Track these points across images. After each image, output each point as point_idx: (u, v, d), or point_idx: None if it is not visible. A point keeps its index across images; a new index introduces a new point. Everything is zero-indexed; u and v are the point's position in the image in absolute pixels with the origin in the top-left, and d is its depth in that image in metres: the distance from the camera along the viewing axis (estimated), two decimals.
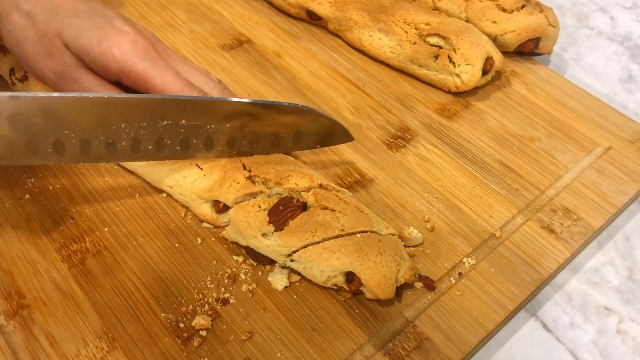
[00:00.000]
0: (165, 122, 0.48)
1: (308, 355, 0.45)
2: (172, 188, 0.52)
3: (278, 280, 0.49)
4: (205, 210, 0.51)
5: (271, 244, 0.47)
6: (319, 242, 0.46)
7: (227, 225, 0.51)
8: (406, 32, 0.64)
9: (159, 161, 0.51)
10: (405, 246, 0.51)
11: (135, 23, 0.54)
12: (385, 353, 0.45)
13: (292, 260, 0.47)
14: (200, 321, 0.46)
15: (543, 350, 0.49)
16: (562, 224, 0.54)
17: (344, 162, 0.58)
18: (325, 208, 0.48)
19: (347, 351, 0.45)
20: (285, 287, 0.48)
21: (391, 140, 0.60)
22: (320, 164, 0.58)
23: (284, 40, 0.70)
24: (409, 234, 0.52)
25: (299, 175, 0.50)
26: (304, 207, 0.48)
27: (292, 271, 0.49)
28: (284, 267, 0.49)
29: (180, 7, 0.73)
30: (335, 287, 0.48)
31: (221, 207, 0.50)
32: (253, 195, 0.49)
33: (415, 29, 0.64)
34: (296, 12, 0.72)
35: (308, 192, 0.49)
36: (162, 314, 0.47)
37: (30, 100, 0.44)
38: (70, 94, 0.45)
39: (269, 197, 0.49)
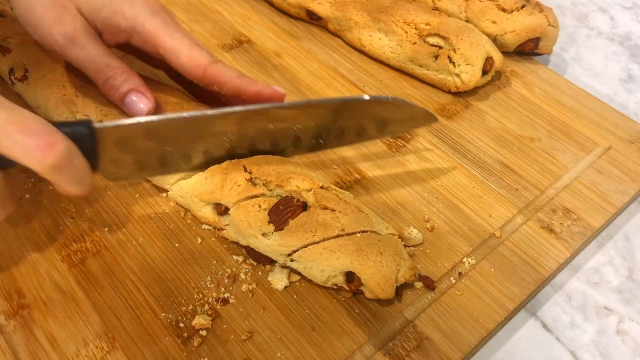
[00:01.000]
0: (253, 129, 0.51)
1: (308, 355, 0.45)
2: (173, 190, 0.52)
3: (278, 280, 0.49)
4: (207, 212, 0.51)
5: (271, 244, 0.47)
6: (319, 242, 0.46)
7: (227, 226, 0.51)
8: (406, 32, 0.64)
9: None
10: (405, 246, 0.51)
11: None
12: (385, 353, 0.45)
13: (292, 260, 0.47)
14: (200, 321, 0.46)
15: (543, 350, 0.49)
16: (562, 224, 0.54)
17: (344, 162, 0.58)
18: (326, 208, 0.48)
19: (347, 351, 0.45)
20: (285, 287, 0.48)
21: (391, 140, 0.60)
22: (320, 164, 0.58)
23: (284, 40, 0.70)
24: (409, 233, 0.52)
25: (299, 177, 0.49)
26: (304, 207, 0.48)
27: (292, 271, 0.49)
28: (284, 266, 0.49)
29: (180, 7, 0.73)
30: (335, 287, 0.48)
31: (222, 210, 0.50)
32: (254, 197, 0.49)
33: (415, 29, 0.64)
34: (296, 12, 0.72)
35: (308, 192, 0.49)
36: (162, 314, 0.47)
37: (133, 126, 0.47)
38: (167, 116, 0.48)
39: (269, 197, 0.49)
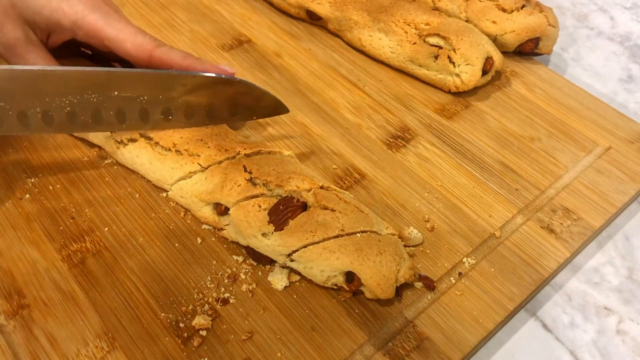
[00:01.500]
0: (94, 95, 0.50)
1: (308, 355, 0.45)
2: (173, 190, 0.52)
3: (278, 280, 0.49)
4: (207, 212, 0.51)
5: (271, 244, 0.47)
6: (319, 242, 0.46)
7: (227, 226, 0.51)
8: (406, 32, 0.64)
9: (160, 160, 0.52)
10: (405, 246, 0.51)
11: None
12: (385, 353, 0.45)
13: (292, 260, 0.47)
14: (200, 321, 0.46)
15: (543, 350, 0.49)
16: (562, 223, 0.54)
17: (344, 162, 0.58)
18: (326, 208, 0.48)
19: (347, 351, 0.45)
20: (285, 287, 0.48)
21: (391, 140, 0.60)
22: (320, 164, 0.58)
23: (284, 40, 0.70)
24: (409, 233, 0.52)
25: (299, 177, 0.49)
26: (304, 207, 0.48)
27: (292, 271, 0.49)
28: (284, 266, 0.49)
29: (180, 7, 0.73)
30: (335, 287, 0.48)
31: (223, 210, 0.50)
32: (254, 197, 0.49)
33: (415, 29, 0.64)
34: (296, 12, 0.72)
35: (308, 192, 0.49)
36: (162, 314, 0.47)
37: (4, 71, 0.46)
38: (6, 67, 0.47)
39: (269, 197, 0.49)
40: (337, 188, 0.51)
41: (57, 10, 0.53)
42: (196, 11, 0.73)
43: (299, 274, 0.49)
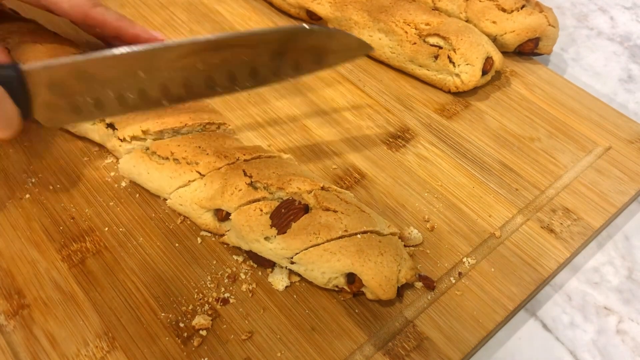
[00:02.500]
0: (185, 66, 0.49)
1: (308, 355, 0.45)
2: (172, 198, 0.52)
3: (279, 280, 0.49)
4: (207, 219, 0.51)
5: (274, 247, 0.47)
6: (322, 244, 0.46)
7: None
8: (406, 32, 0.64)
9: (158, 169, 0.52)
10: (405, 246, 0.51)
11: None
12: (385, 353, 0.45)
13: (292, 263, 0.47)
14: (200, 321, 0.46)
15: (543, 350, 0.49)
16: (561, 223, 0.54)
17: (344, 162, 0.58)
18: (327, 209, 0.48)
19: (347, 351, 0.45)
20: (286, 287, 0.48)
21: (391, 140, 0.60)
22: (320, 164, 0.58)
23: None
24: (409, 234, 0.52)
25: (300, 179, 0.49)
26: (306, 209, 0.48)
27: (293, 273, 0.49)
28: (284, 268, 0.49)
29: (180, 7, 0.73)
30: (337, 289, 0.48)
31: (223, 216, 0.50)
32: (255, 201, 0.48)
33: (415, 29, 0.64)
34: (296, 12, 0.72)
35: (309, 194, 0.49)
36: (162, 314, 0.47)
37: (62, 66, 0.47)
38: (95, 54, 0.47)
39: (270, 201, 0.49)
40: (337, 188, 0.51)
41: None
42: (196, 11, 0.73)
43: (299, 276, 0.49)
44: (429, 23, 0.64)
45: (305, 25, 0.51)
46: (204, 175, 0.50)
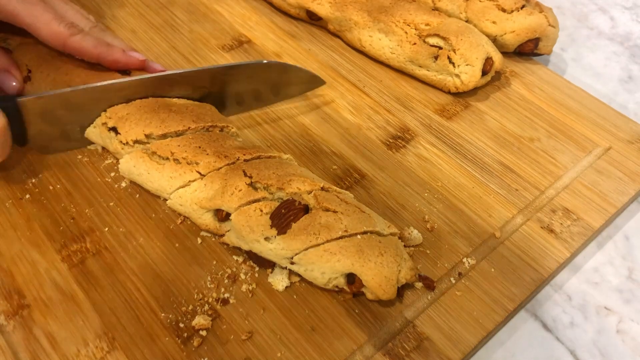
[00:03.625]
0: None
1: (308, 355, 0.45)
2: (172, 199, 0.51)
3: (279, 280, 0.48)
4: (207, 219, 0.51)
5: (274, 248, 0.47)
6: (322, 244, 0.46)
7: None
8: (406, 32, 0.64)
9: (159, 169, 0.52)
10: (405, 246, 0.51)
11: None
12: (385, 353, 0.45)
13: (292, 263, 0.47)
14: (200, 321, 0.46)
15: (543, 350, 0.49)
16: (561, 224, 0.54)
17: (344, 163, 0.58)
18: (327, 209, 0.48)
19: (347, 351, 0.45)
20: (286, 287, 0.48)
21: (391, 140, 0.60)
22: (320, 165, 0.58)
23: (284, 40, 0.70)
24: (409, 234, 0.52)
25: (300, 179, 0.49)
26: (306, 209, 0.48)
27: (293, 273, 0.49)
28: (284, 268, 0.49)
29: (180, 7, 0.73)
30: (337, 289, 0.48)
31: (223, 216, 0.50)
32: (256, 201, 0.48)
33: (415, 29, 0.64)
34: (296, 13, 0.72)
35: (309, 194, 0.49)
36: (162, 314, 0.47)
37: (52, 97, 0.52)
38: (81, 86, 0.53)
39: (270, 201, 0.49)
40: (337, 188, 0.51)
41: None
42: (196, 11, 0.73)
43: (299, 276, 0.49)
44: (429, 23, 0.64)
45: (264, 60, 0.61)
46: (204, 176, 0.50)
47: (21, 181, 0.55)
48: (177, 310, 0.47)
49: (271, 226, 0.47)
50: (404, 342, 0.46)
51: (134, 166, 0.52)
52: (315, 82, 0.63)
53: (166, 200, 0.53)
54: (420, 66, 0.65)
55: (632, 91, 0.71)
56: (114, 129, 0.54)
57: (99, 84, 0.53)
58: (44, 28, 0.54)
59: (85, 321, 0.46)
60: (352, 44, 0.69)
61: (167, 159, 0.52)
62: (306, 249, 0.46)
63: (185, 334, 0.46)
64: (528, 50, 0.68)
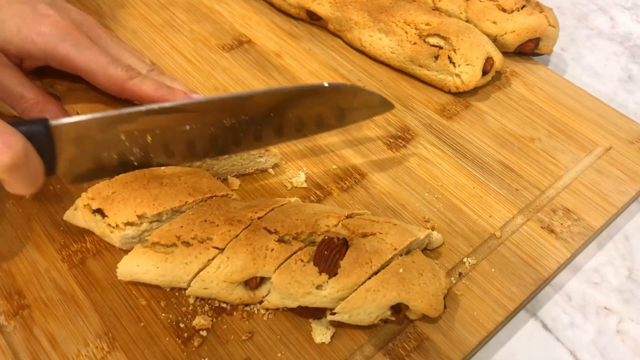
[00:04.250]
0: (208, 122, 0.49)
1: (308, 355, 0.45)
2: (193, 286, 0.46)
3: (321, 333, 0.46)
4: (240, 293, 0.46)
5: (329, 293, 0.44)
6: (377, 272, 0.44)
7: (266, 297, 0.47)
8: (406, 32, 0.64)
9: (169, 260, 0.46)
10: (426, 249, 0.51)
11: (68, 5, 0.54)
12: (386, 353, 0.45)
13: (333, 314, 0.45)
14: (200, 321, 0.46)
15: (543, 350, 0.49)
16: (562, 224, 0.54)
17: (344, 163, 0.58)
18: (365, 235, 0.46)
19: (347, 351, 0.45)
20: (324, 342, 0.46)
21: (391, 140, 0.60)
22: (320, 164, 0.58)
23: (284, 40, 0.70)
24: (430, 236, 0.51)
25: (324, 216, 0.47)
26: (345, 242, 0.46)
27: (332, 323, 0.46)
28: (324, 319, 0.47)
29: (181, 7, 0.73)
30: (381, 322, 0.46)
31: (258, 282, 0.46)
32: (292, 255, 0.45)
33: (416, 29, 0.64)
34: (296, 13, 0.72)
35: (337, 226, 0.47)
36: (163, 314, 0.47)
37: (89, 121, 0.46)
38: (123, 110, 0.47)
39: (306, 248, 0.46)
40: (356, 211, 0.50)
41: (27, 40, 0.51)
42: (196, 11, 0.73)
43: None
44: (429, 23, 0.64)
45: (326, 83, 0.52)
46: (223, 249, 0.46)
47: None
48: (178, 310, 0.47)
49: (319, 272, 0.44)
50: (404, 342, 0.46)
51: (138, 265, 0.46)
52: (384, 106, 0.56)
53: (185, 290, 0.47)
54: (420, 66, 0.65)
55: (632, 91, 0.71)
56: (99, 211, 0.48)
57: (144, 107, 0.48)
58: (101, 72, 0.52)
59: (85, 321, 0.46)
60: (353, 43, 0.69)
61: (174, 245, 0.46)
62: (363, 283, 0.44)
63: (186, 334, 0.46)
64: (528, 50, 0.68)
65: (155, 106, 0.47)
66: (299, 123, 0.52)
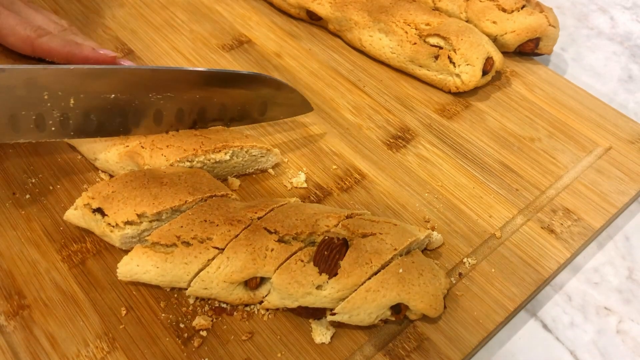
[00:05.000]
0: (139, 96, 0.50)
1: (308, 355, 0.45)
2: (193, 286, 0.46)
3: (321, 334, 0.46)
4: (240, 293, 0.46)
5: (329, 293, 0.44)
6: (377, 272, 0.45)
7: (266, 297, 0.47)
8: (406, 32, 0.64)
9: (168, 260, 0.46)
10: (426, 249, 0.51)
11: None
12: (386, 353, 0.45)
13: (333, 314, 0.45)
14: (200, 321, 0.46)
15: (543, 350, 0.49)
16: (562, 224, 0.54)
17: (344, 163, 0.58)
18: (365, 235, 0.46)
19: (347, 351, 0.45)
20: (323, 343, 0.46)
21: (391, 140, 0.60)
22: (320, 164, 0.58)
23: (284, 40, 0.70)
24: (430, 236, 0.51)
25: (324, 216, 0.47)
26: (345, 242, 0.46)
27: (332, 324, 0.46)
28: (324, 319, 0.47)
29: (181, 7, 0.73)
30: (382, 322, 0.46)
31: (258, 282, 0.46)
32: (292, 254, 0.45)
33: (416, 29, 0.64)
34: (296, 13, 0.72)
35: (337, 227, 0.47)
36: (163, 314, 0.47)
37: (15, 72, 0.46)
38: (51, 66, 0.48)
39: (306, 248, 0.46)
40: (356, 211, 0.50)
41: None
42: (196, 11, 0.73)
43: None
44: (429, 23, 0.64)
45: (252, 72, 0.54)
46: (223, 249, 0.46)
47: (21, 181, 0.55)
48: (178, 310, 0.47)
49: (319, 272, 0.44)
50: (404, 342, 0.46)
51: (138, 265, 0.46)
52: (304, 107, 0.58)
53: (185, 290, 0.47)
54: (420, 66, 0.65)
55: (632, 91, 0.70)
56: (99, 210, 0.48)
57: (71, 66, 0.48)
58: (10, 34, 0.54)
59: (85, 321, 0.46)
60: (353, 43, 0.69)
61: (174, 245, 0.46)
62: (363, 283, 0.44)
63: (186, 334, 0.46)
64: (528, 50, 0.68)
65: (66, 66, 0.48)
66: (222, 109, 0.54)
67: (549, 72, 0.68)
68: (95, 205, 0.48)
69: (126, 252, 0.47)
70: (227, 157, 0.53)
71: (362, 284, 0.44)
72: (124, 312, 0.47)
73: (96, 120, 0.50)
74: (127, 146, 0.52)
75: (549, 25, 0.67)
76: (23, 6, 0.58)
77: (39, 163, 0.56)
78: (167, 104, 0.51)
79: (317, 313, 0.46)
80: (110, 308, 0.47)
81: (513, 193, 0.56)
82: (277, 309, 0.47)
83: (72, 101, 0.48)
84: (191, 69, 0.53)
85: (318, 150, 0.59)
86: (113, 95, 0.49)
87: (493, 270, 0.50)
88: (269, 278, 0.46)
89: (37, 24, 0.56)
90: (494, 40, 0.67)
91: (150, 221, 0.47)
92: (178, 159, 0.51)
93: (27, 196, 0.54)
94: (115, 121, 0.51)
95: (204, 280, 0.46)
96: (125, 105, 0.50)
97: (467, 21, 0.67)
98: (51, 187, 0.54)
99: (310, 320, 0.46)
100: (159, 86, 0.51)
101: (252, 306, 0.47)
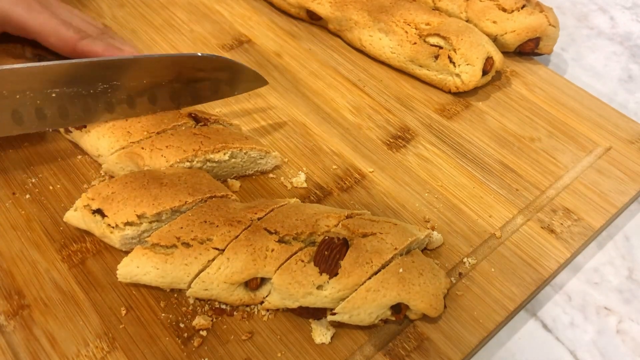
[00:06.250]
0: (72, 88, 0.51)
1: (308, 355, 0.45)
2: (193, 287, 0.46)
3: (321, 334, 0.46)
4: (240, 294, 0.46)
5: (330, 293, 0.44)
6: (377, 272, 0.45)
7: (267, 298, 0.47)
8: (406, 32, 0.64)
9: (168, 261, 0.45)
10: (426, 249, 0.51)
11: None
12: (386, 353, 0.45)
13: (333, 314, 0.45)
14: (200, 321, 0.46)
15: (543, 350, 0.49)
16: (562, 224, 0.54)
17: (344, 163, 0.58)
18: (365, 235, 0.46)
19: (347, 351, 0.45)
20: (323, 343, 0.46)
21: (391, 140, 0.60)
22: (320, 164, 0.58)
23: (284, 40, 0.70)
24: (430, 236, 0.51)
25: (324, 216, 0.47)
26: (345, 242, 0.46)
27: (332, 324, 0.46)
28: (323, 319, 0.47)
29: (181, 7, 0.73)
30: (382, 321, 0.46)
31: (259, 283, 0.46)
32: (293, 255, 0.45)
33: (416, 29, 0.64)
34: (296, 12, 0.72)
35: (337, 227, 0.47)
36: (163, 314, 0.47)
37: None
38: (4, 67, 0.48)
39: (306, 248, 0.46)
40: (356, 210, 0.50)
41: None
42: (196, 11, 0.73)
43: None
44: (430, 23, 0.64)
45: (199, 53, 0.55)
46: (223, 250, 0.45)
47: (21, 181, 0.55)
48: (178, 310, 0.47)
49: (320, 272, 0.44)
50: (404, 342, 0.46)
51: (138, 267, 0.46)
52: (258, 81, 0.59)
53: (185, 291, 0.47)
54: (420, 66, 0.65)
55: (632, 91, 0.70)
56: (99, 211, 0.48)
57: (26, 65, 0.48)
58: (53, 34, 0.54)
59: (85, 321, 0.46)
60: (353, 43, 0.69)
61: (174, 246, 0.46)
62: (363, 283, 0.44)
63: (186, 334, 0.46)
64: (528, 49, 0.68)
65: (19, 66, 0.48)
66: (173, 92, 0.55)
67: (549, 72, 0.68)
68: (95, 207, 0.48)
69: (126, 253, 0.48)
70: (226, 157, 0.53)
71: (363, 284, 0.44)
72: (123, 312, 0.47)
73: (48, 114, 0.51)
74: (126, 147, 0.52)
75: (549, 25, 0.67)
76: (60, 7, 0.58)
77: (39, 163, 0.56)
78: (116, 91, 0.53)
79: (318, 313, 0.46)
80: (110, 308, 0.47)
81: (513, 193, 0.56)
82: (278, 310, 0.47)
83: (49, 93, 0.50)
84: (132, 57, 0.54)
85: (318, 150, 0.59)
86: (58, 90, 0.51)
87: (493, 270, 0.50)
88: (270, 279, 0.46)
89: (78, 26, 0.56)
90: (494, 40, 0.67)
91: (150, 222, 0.47)
92: (178, 160, 0.51)
93: (27, 196, 0.54)
94: (66, 112, 0.52)
95: (204, 282, 0.45)
96: (71, 96, 0.52)
97: (467, 21, 0.67)
98: (51, 187, 0.54)
99: (310, 320, 0.46)
100: (108, 76, 0.52)
101: (252, 306, 0.47)
